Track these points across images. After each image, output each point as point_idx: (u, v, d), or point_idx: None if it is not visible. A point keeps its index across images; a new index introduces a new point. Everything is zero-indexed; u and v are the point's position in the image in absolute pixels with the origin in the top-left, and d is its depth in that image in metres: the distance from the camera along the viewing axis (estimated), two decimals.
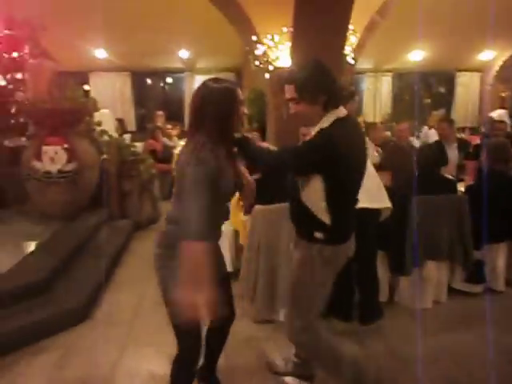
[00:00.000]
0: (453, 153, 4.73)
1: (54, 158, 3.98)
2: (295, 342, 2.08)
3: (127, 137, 7.87)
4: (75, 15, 7.04)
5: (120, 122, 8.89)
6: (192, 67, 10.09)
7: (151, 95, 11.34)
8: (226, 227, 3.74)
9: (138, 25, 7.50)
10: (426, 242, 3.07)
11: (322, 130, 1.80)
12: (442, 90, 12.13)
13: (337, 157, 1.73)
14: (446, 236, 3.18)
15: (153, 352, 2.61)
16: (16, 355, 2.56)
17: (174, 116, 9.87)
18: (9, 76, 4.82)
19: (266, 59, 5.25)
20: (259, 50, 5.24)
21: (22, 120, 4.69)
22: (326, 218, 1.82)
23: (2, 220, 4.38)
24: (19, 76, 4.87)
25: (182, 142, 7.21)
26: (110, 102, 9.75)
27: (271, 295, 2.90)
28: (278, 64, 5.24)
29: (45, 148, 3.99)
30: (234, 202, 3.47)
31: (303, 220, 1.92)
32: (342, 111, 1.84)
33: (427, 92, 11.96)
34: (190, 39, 8.39)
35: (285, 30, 5.04)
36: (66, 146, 4.03)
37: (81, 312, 3.06)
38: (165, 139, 7.34)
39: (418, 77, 10.77)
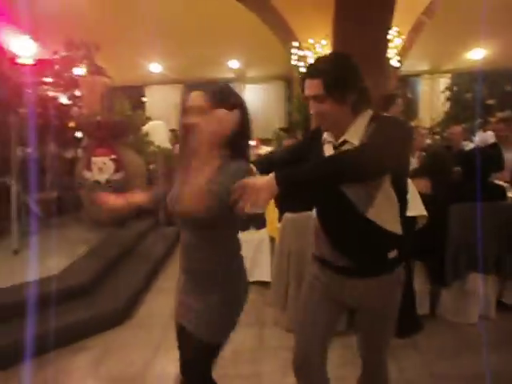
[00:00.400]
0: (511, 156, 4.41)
1: (102, 168, 4.24)
2: (379, 378, 1.78)
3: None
4: (131, 33, 7.49)
5: (173, 132, 9.28)
6: (242, 77, 10.30)
7: None
8: (263, 235, 3.76)
9: (189, 39, 7.81)
10: (469, 252, 2.89)
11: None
12: (510, 88, 11.28)
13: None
14: (494, 247, 2.97)
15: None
16: (59, 352, 2.74)
17: None
18: (68, 93, 5.22)
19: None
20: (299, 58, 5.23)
21: (77, 133, 5.05)
22: (398, 228, 1.51)
23: (59, 226, 4.72)
24: (77, 93, 5.25)
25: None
26: (165, 114, 10.22)
27: None
28: None
29: (94, 159, 4.27)
30: (271, 209, 3.47)
31: (374, 245, 1.51)
32: (371, 113, 1.51)
33: (492, 92, 11.18)
34: (240, 49, 8.60)
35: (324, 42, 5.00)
36: (113, 156, 4.28)
37: (121, 314, 3.21)
38: None
39: (480, 76, 10.13)
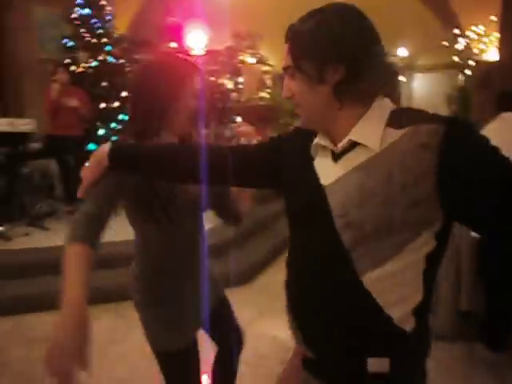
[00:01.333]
0: None
1: None
2: None
3: None
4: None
5: None
6: (410, 65, 9.74)
7: None
8: None
9: None
10: None
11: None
12: None
13: None
14: None
15: (283, 322, 2.91)
16: None
17: None
18: (232, 80, 5.88)
19: (467, 53, 4.74)
20: (459, 44, 4.76)
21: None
22: (405, 321, 0.84)
23: None
24: (240, 79, 5.87)
25: None
26: None
27: None
28: (483, 58, 4.64)
29: (242, 140, 4.76)
30: None
31: (351, 334, 0.86)
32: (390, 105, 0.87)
33: None
34: (408, 37, 8.16)
35: (493, 18, 4.42)
36: (259, 138, 4.70)
37: (242, 276, 3.62)
38: None
39: None
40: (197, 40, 5.00)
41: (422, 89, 10.06)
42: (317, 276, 0.88)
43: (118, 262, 3.12)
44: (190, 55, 5.12)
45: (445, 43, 5.22)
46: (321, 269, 0.87)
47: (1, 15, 5.71)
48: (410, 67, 9.84)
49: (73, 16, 5.03)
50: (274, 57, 6.23)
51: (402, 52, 9.13)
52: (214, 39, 5.50)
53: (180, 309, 1.33)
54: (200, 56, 4.98)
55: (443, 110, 8.15)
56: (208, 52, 5.03)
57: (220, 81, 5.58)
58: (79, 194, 1.09)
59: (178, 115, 1.23)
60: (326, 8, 0.86)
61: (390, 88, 0.94)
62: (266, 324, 2.94)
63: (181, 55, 1.38)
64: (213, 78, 5.52)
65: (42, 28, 5.82)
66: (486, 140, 0.76)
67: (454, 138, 0.75)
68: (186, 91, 1.23)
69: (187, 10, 4.73)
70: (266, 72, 5.75)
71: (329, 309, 0.87)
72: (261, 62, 5.82)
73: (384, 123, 0.82)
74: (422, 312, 0.86)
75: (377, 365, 0.84)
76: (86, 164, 1.06)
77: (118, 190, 1.13)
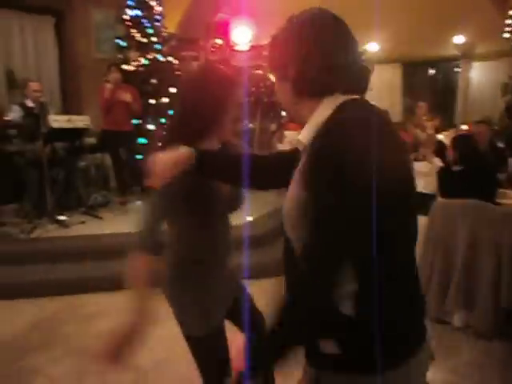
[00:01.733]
0: None
1: (291, 142, 4.77)
2: None
3: None
4: (349, 14, 7.72)
5: None
6: (468, 53, 9.23)
7: (420, 85, 11.04)
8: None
9: (408, 15, 7.51)
10: None
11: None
12: None
13: None
14: None
15: None
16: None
17: (441, 106, 9.39)
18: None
19: None
20: None
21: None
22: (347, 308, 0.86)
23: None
24: None
25: (441, 136, 6.88)
26: (378, 93, 10.21)
27: (444, 294, 2.73)
28: None
29: (286, 133, 4.83)
30: None
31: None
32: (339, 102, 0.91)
33: None
34: (466, 23, 7.74)
35: None
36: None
37: (276, 266, 3.69)
38: (418, 131, 7.21)
39: None
40: (242, 35, 5.10)
41: (480, 78, 9.53)
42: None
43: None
44: (235, 50, 5.24)
45: (506, 33, 4.90)
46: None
47: (63, 19, 6.13)
48: (467, 55, 9.34)
49: (124, 17, 5.30)
50: None
51: (459, 39, 8.67)
52: (261, 34, 5.57)
53: (211, 295, 1.44)
54: (245, 51, 5.07)
55: (499, 101, 7.72)
56: (252, 47, 5.11)
57: (265, 75, 5.65)
58: (149, 183, 1.17)
59: (222, 125, 1.36)
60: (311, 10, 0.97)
61: (356, 84, 0.93)
62: None
63: (223, 68, 1.50)
64: (259, 72, 5.60)
65: (98, 29, 6.18)
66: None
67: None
68: (231, 104, 1.36)
69: (234, 6, 4.83)
70: None
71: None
72: None
73: (321, 120, 0.88)
74: (362, 300, 0.85)
75: (328, 347, 0.89)
76: (157, 161, 1.14)
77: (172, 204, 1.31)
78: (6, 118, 4.37)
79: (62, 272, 3.48)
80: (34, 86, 4.46)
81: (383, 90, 10.52)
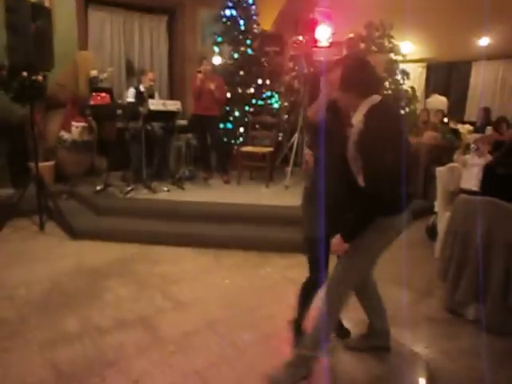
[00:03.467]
0: None
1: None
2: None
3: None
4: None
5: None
6: (493, 54, 8.24)
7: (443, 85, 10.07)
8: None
9: (436, 16, 7.04)
10: None
11: None
12: None
13: None
14: None
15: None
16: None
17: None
18: None
19: None
20: None
21: None
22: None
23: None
24: None
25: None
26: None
27: (458, 287, 2.86)
28: None
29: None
30: None
31: None
32: (373, 100, 1.95)
33: None
34: (492, 25, 6.96)
35: None
36: None
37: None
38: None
39: None
40: (324, 32, 5.45)
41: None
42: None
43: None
44: (317, 47, 5.61)
45: None
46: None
47: (174, 17, 7.11)
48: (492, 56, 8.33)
49: (223, 15, 6.01)
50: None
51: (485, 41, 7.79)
52: (344, 30, 5.85)
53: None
54: (325, 47, 5.42)
55: None
56: (332, 43, 5.42)
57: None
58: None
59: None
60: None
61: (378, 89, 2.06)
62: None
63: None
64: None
65: (203, 26, 7.04)
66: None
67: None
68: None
69: (323, 4, 5.17)
70: (393, 61, 5.85)
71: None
72: (388, 51, 5.92)
73: (363, 112, 1.91)
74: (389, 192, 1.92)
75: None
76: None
77: None
78: (118, 101, 5.41)
79: (144, 225, 4.32)
80: (150, 75, 5.42)
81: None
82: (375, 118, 1.86)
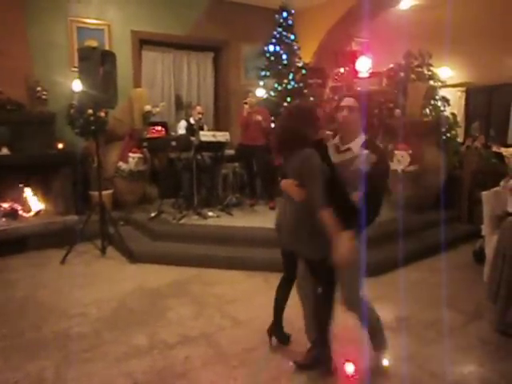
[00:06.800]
0: None
1: (400, 160, 5.13)
2: None
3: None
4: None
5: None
6: None
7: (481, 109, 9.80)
8: None
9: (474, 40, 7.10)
10: None
11: None
12: None
13: None
14: None
15: (390, 307, 3.40)
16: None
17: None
18: (397, 97, 6.28)
19: None
20: None
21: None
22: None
23: None
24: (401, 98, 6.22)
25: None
26: None
27: (508, 307, 2.91)
28: None
29: (396, 152, 5.22)
30: None
31: None
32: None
33: None
34: None
35: None
36: (410, 151, 5.08)
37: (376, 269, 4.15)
38: None
39: None
40: (364, 64, 5.69)
41: None
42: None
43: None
44: (358, 77, 5.85)
45: None
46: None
47: (220, 53, 7.60)
48: None
49: (267, 50, 6.40)
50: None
51: None
52: (382, 61, 6.07)
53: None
54: (365, 78, 5.65)
55: None
56: (372, 73, 5.65)
57: (386, 99, 6.09)
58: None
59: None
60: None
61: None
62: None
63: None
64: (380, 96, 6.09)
65: (246, 61, 7.47)
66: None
67: None
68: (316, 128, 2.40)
69: (361, 35, 5.45)
70: (433, 88, 5.99)
71: None
72: (431, 78, 6.07)
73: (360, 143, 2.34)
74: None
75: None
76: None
77: None
78: (172, 133, 5.82)
79: (197, 249, 4.60)
80: (199, 109, 5.85)
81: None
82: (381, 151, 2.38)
